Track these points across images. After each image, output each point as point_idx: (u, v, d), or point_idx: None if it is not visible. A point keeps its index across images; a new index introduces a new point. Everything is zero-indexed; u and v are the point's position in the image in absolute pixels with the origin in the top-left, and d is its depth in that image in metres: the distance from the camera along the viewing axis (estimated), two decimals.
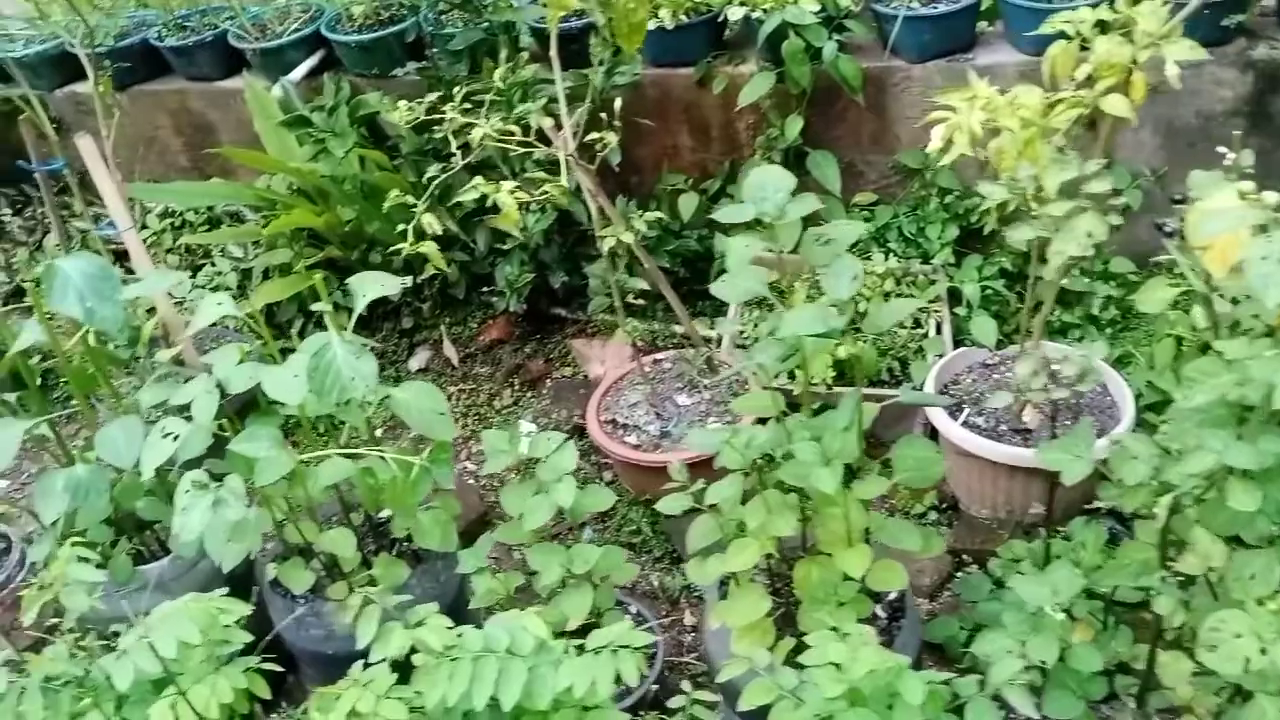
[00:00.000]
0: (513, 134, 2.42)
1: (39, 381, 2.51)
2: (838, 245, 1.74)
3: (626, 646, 1.51)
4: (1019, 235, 1.79)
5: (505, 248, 3.53)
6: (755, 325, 3.29)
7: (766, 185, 1.79)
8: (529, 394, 3.69)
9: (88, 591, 1.68)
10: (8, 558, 2.82)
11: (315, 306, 2.06)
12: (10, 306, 3.37)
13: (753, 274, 1.83)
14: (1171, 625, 1.71)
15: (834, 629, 1.75)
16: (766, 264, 1.91)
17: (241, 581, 2.34)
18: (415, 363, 3.83)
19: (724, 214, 1.81)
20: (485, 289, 3.71)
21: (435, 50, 3.34)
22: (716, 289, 1.93)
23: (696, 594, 2.94)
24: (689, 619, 2.89)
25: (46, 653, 1.63)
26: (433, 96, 2.52)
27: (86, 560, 1.70)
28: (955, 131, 1.87)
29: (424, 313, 3.84)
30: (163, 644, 1.46)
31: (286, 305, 3.70)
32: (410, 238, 2.49)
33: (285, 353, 2.21)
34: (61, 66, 4.12)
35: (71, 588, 1.68)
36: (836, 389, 3.02)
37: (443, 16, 3.39)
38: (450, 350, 3.78)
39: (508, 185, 2.33)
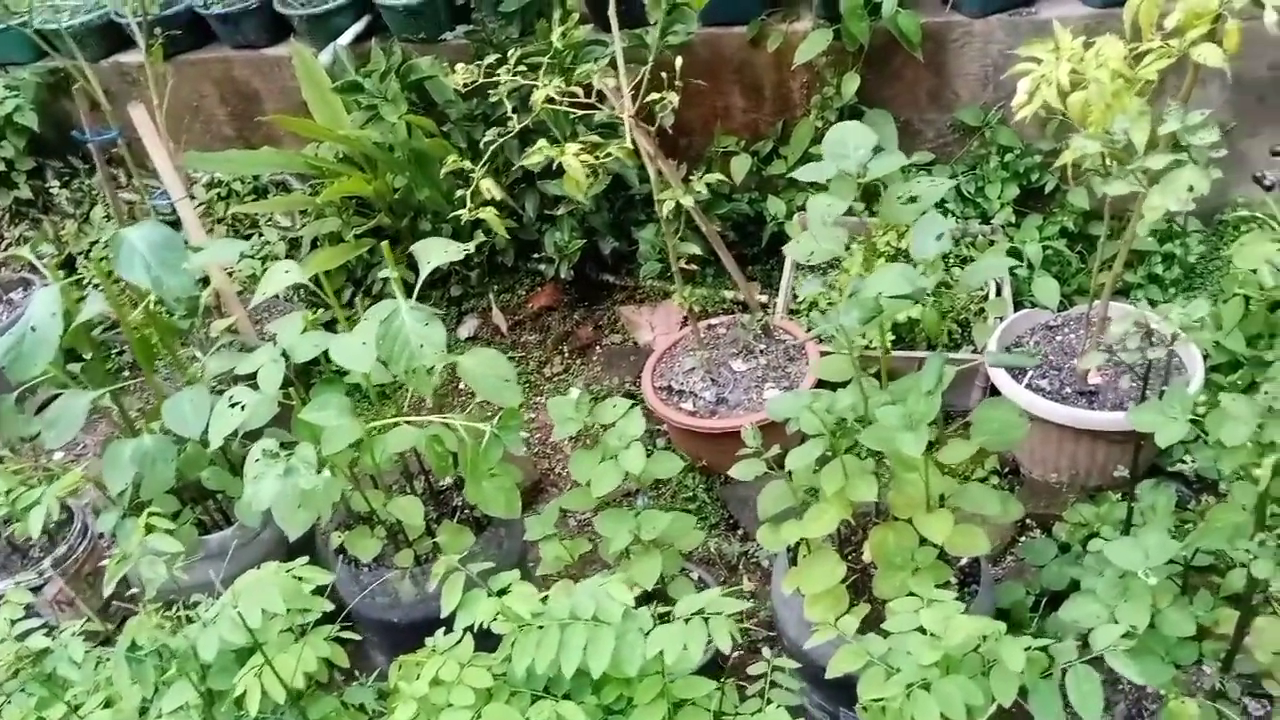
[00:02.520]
0: (575, 95, 2.37)
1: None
2: (923, 203, 1.69)
3: (719, 613, 1.48)
4: (1114, 190, 1.73)
5: (554, 214, 3.50)
6: (827, 289, 3.23)
7: (848, 141, 1.74)
8: (579, 361, 3.67)
9: (168, 562, 1.68)
10: (70, 528, 2.84)
11: (384, 273, 2.05)
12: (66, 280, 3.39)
13: (832, 235, 1.78)
14: (1267, 590, 1.67)
15: (913, 595, 1.73)
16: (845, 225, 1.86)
17: (301, 551, 2.35)
18: (464, 331, 3.81)
19: (805, 172, 1.76)
20: (534, 256, 3.68)
21: (484, 13, 3.28)
22: (792, 249, 1.89)
23: (754, 560, 2.93)
24: (747, 585, 2.87)
25: (131, 623, 1.64)
26: (490, 59, 2.47)
27: (166, 531, 1.70)
28: (1041, 84, 1.81)
29: (472, 281, 3.81)
30: (248, 613, 1.46)
31: (335, 274, 3.69)
32: (469, 203, 2.46)
33: (334, 323, 2.20)
34: (106, 36, 4.11)
35: (151, 559, 1.68)
36: (894, 353, 2.97)
37: None
38: (499, 318, 3.76)
39: (572, 148, 2.29)
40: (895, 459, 1.88)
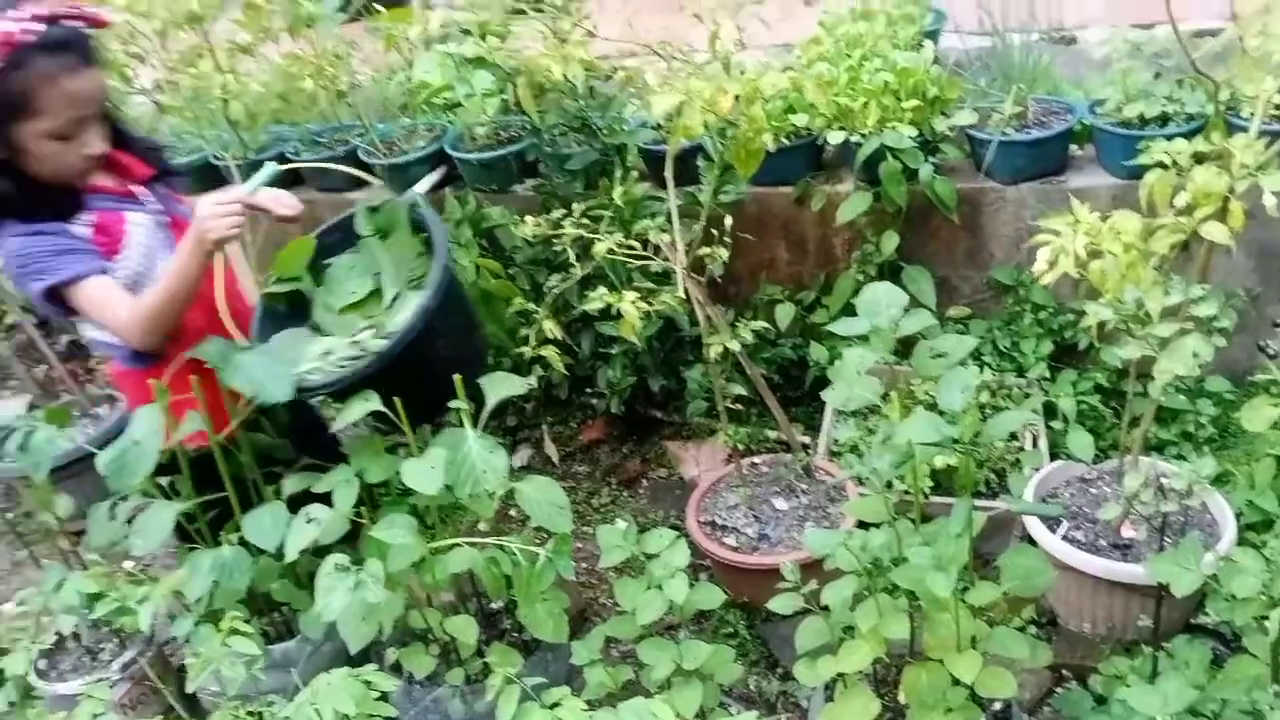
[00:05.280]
0: (633, 248, 2.60)
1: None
2: (950, 358, 1.85)
3: None
4: (1127, 353, 1.88)
5: (608, 352, 3.70)
6: (867, 433, 3.36)
7: (880, 300, 1.92)
8: (625, 493, 3.81)
9: (247, 664, 1.82)
10: (138, 635, 2.98)
11: (452, 404, 2.23)
12: None
13: (865, 383, 1.94)
14: None
15: None
16: (877, 374, 2.03)
17: (357, 666, 2.47)
18: (517, 460, 3.98)
19: (840, 327, 1.94)
20: (587, 390, 3.87)
21: (551, 169, 3.57)
22: (830, 396, 2.05)
23: (793, 699, 2.97)
24: None
25: (215, 715, 1.76)
26: (557, 213, 2.72)
27: (247, 635, 1.84)
28: (1060, 254, 1.98)
29: (527, 412, 4.00)
30: (323, 712, 1.59)
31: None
32: (532, 341, 2.67)
33: (394, 448, 2.39)
34: (203, 177, 4.45)
35: (231, 659, 1.82)
36: (934, 499, 3.08)
37: (559, 138, 3.64)
38: (551, 449, 3.93)
39: (630, 295, 2.49)
40: (927, 599, 1.98)
